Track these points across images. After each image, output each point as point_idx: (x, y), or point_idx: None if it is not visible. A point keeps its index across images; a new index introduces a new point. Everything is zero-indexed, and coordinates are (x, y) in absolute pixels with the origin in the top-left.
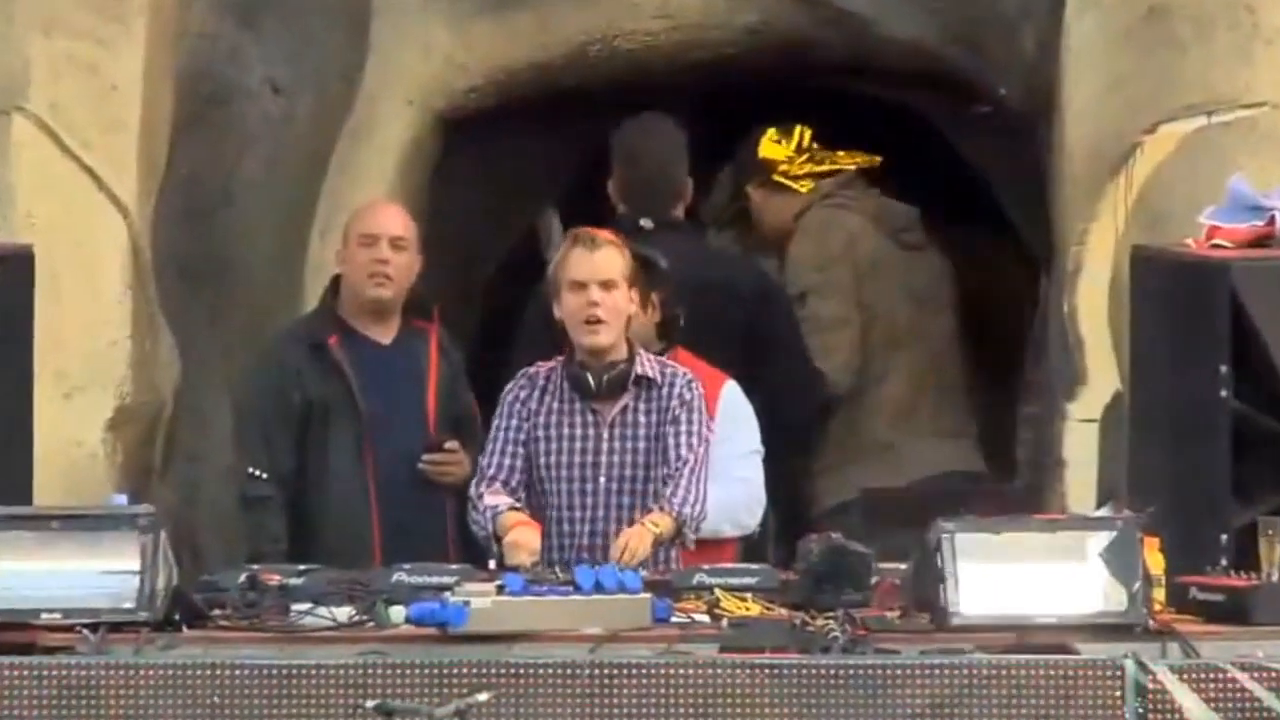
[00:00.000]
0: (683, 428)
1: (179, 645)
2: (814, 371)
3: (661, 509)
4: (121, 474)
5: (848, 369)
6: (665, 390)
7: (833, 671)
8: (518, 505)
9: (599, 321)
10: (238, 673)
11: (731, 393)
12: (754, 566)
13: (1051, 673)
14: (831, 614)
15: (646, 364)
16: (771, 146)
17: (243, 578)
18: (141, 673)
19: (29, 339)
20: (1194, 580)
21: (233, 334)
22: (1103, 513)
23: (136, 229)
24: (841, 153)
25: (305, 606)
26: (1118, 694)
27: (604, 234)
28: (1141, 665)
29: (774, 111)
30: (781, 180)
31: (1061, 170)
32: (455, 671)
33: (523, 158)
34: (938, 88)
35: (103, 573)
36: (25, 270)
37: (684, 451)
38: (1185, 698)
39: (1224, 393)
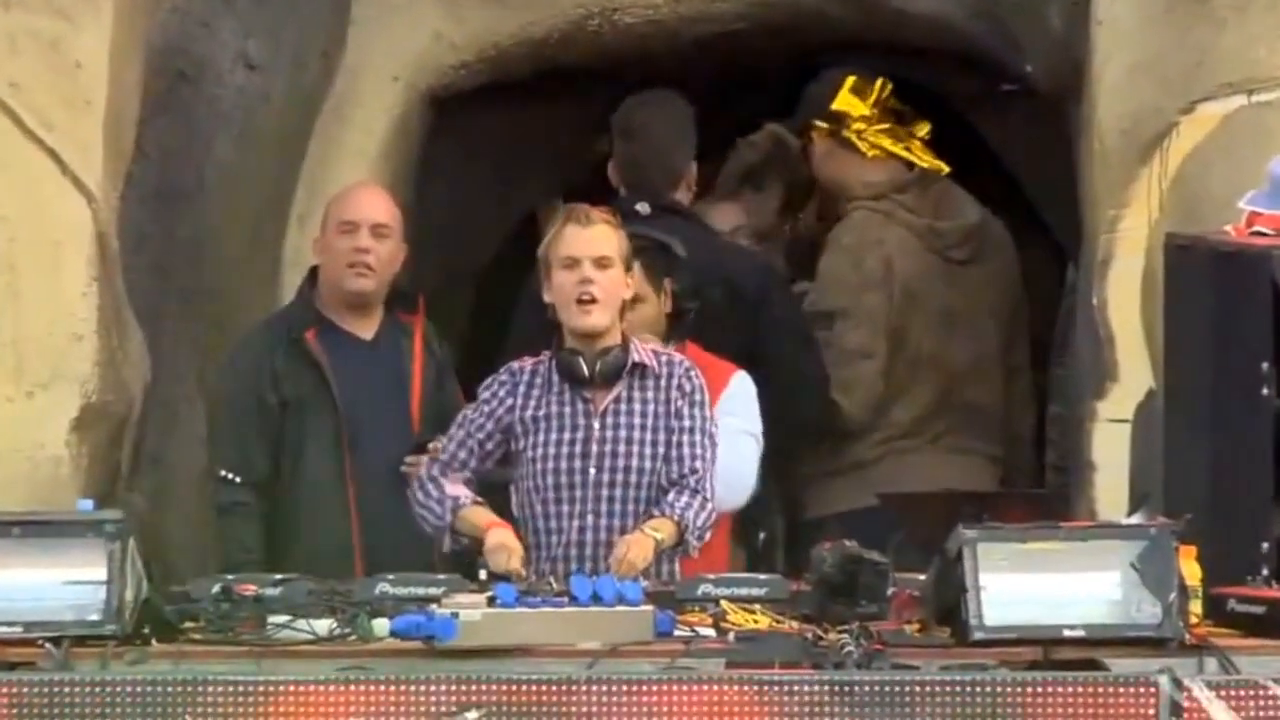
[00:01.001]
0: (686, 423)
1: (148, 660)
2: (821, 370)
3: (663, 513)
4: (87, 478)
5: (866, 406)
6: (664, 380)
7: (847, 688)
8: (481, 501)
9: (592, 301)
10: (211, 689)
11: (740, 379)
12: (762, 576)
13: (1080, 690)
14: (846, 627)
15: (642, 351)
16: (849, 99)
17: (216, 588)
18: (108, 689)
19: None
20: (1232, 591)
21: (205, 328)
22: (1135, 519)
23: (102, 216)
24: (920, 133)
25: (283, 619)
26: (1151, 712)
27: (598, 210)
28: (1176, 682)
29: (785, 93)
30: (851, 139)
31: (1091, 153)
32: (442, 689)
33: (516, 139)
34: (958, 65)
35: (67, 583)
36: None
37: (696, 463)
38: (1223, 715)
39: (1265, 391)
